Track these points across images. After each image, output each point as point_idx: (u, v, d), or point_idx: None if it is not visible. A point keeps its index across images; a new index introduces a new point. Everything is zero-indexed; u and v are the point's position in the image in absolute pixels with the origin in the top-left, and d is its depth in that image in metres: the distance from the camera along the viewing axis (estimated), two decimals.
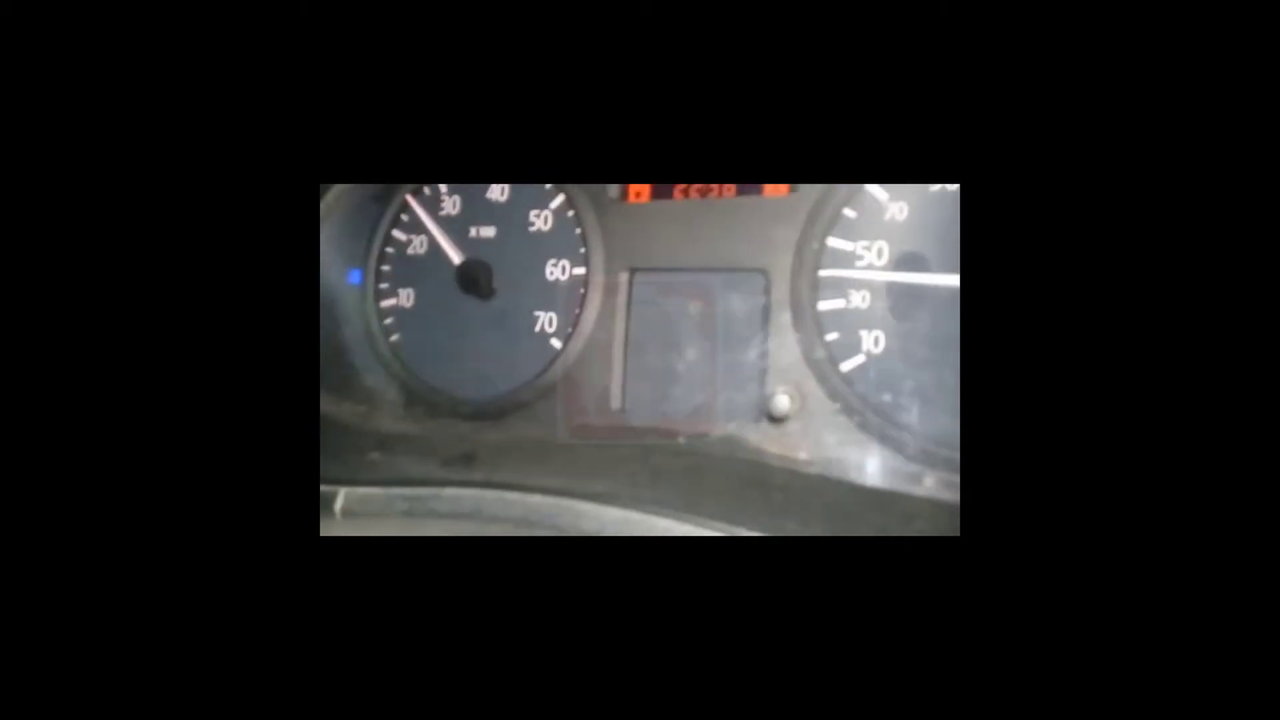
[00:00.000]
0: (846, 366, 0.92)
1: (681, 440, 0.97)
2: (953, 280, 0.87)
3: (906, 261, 0.91)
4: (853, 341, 0.92)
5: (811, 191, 0.95)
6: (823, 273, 0.94)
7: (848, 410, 0.91)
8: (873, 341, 0.92)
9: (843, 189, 0.93)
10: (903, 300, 0.91)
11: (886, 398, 0.90)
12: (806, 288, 0.94)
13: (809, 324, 0.94)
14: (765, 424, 0.94)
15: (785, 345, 0.95)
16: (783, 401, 0.90)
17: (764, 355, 0.96)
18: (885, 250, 0.92)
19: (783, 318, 0.95)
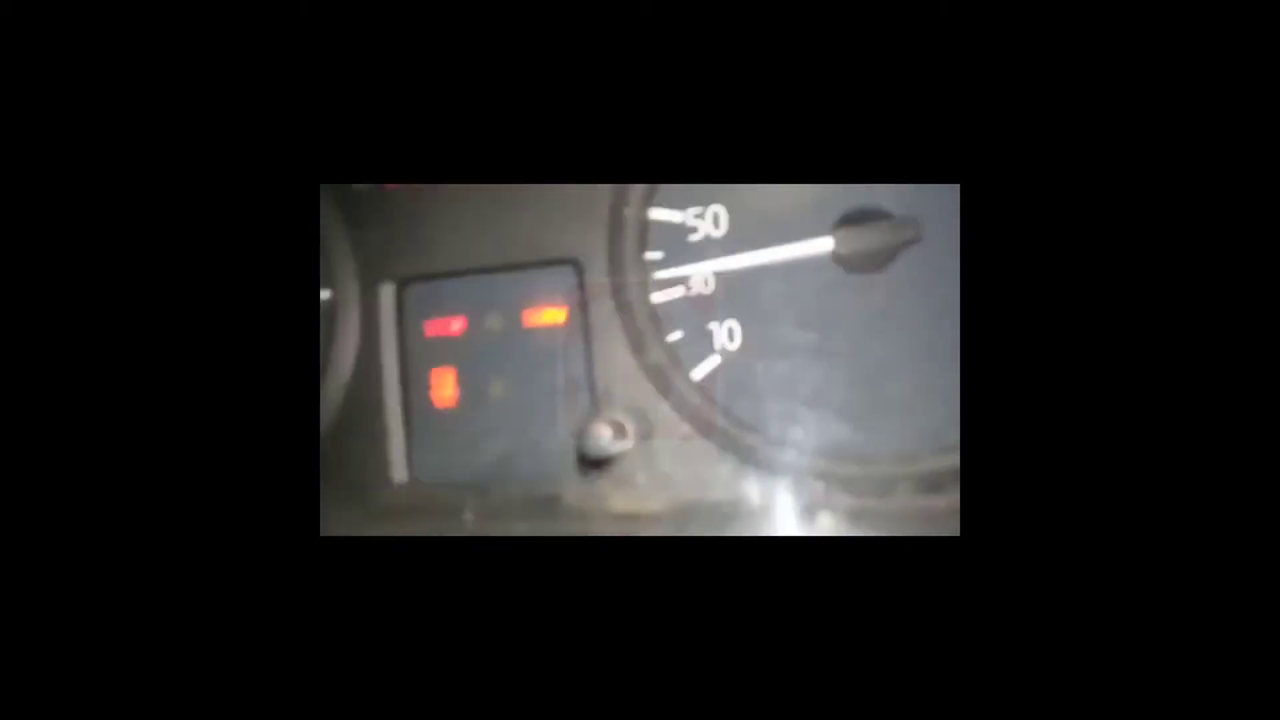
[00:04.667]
0: (699, 373, 0.68)
1: (469, 517, 0.70)
2: (823, 245, 0.66)
3: (752, 226, 0.69)
4: (702, 339, 0.69)
5: None
6: (650, 254, 0.70)
7: (705, 431, 0.67)
8: (726, 336, 0.69)
9: None
10: (761, 276, 0.68)
11: (754, 407, 0.67)
12: (632, 275, 0.70)
13: (642, 323, 0.69)
14: (593, 473, 0.68)
15: (612, 357, 0.70)
16: (600, 437, 0.63)
17: (587, 374, 0.70)
18: (722, 216, 0.70)
19: (604, 319, 0.71)
